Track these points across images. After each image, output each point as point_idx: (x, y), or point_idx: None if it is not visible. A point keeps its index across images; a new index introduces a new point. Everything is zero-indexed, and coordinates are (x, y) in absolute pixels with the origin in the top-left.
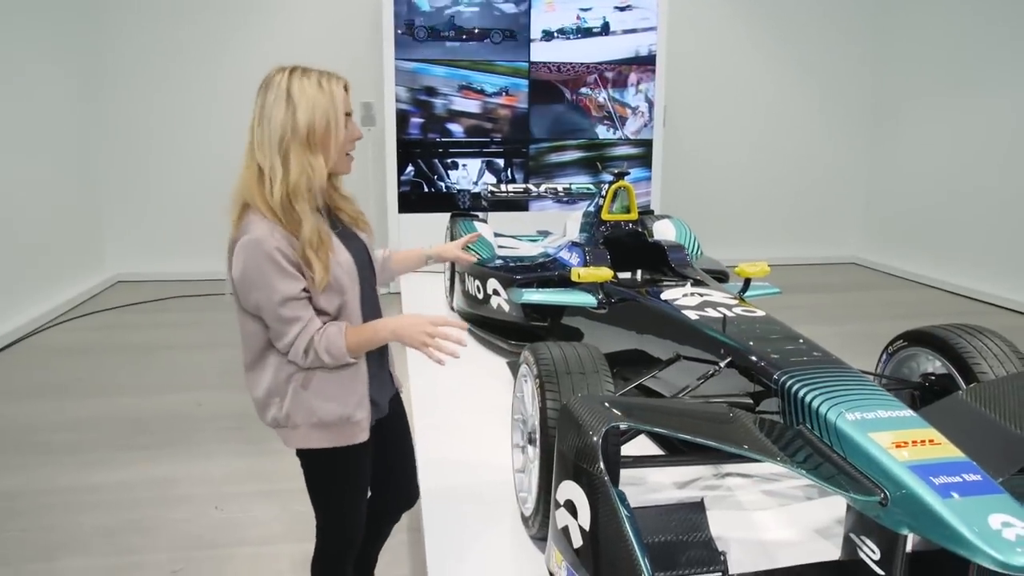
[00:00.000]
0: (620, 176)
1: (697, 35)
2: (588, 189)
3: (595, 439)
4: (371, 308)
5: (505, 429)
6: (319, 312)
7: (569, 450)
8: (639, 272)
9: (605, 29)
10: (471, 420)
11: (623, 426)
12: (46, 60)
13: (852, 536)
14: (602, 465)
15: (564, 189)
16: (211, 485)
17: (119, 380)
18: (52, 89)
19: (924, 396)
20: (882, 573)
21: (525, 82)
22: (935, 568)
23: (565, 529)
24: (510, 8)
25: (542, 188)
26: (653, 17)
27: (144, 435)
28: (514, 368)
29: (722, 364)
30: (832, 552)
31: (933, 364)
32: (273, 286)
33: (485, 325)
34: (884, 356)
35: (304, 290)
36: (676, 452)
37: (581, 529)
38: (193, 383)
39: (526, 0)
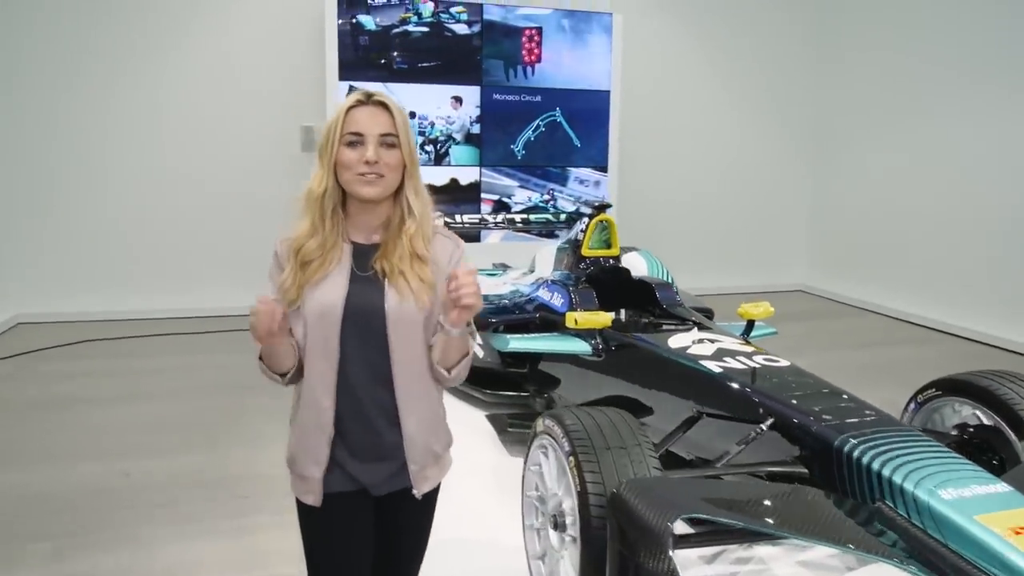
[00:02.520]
0: (601, 208)
1: (649, 65)
2: (548, 220)
3: (664, 538)
4: (359, 366)
5: (493, 497)
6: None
7: (628, 548)
8: (623, 312)
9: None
10: (454, 487)
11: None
12: None
13: None
14: (676, 566)
15: (522, 220)
16: None
17: (19, 447)
18: None
19: (962, 449)
20: None
21: (476, 109)
22: None
23: None
24: (462, 29)
25: (498, 218)
26: (607, 46)
27: (53, 521)
28: (497, 423)
29: (764, 426)
30: None
31: (963, 414)
32: None
33: None
34: (913, 405)
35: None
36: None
37: None
38: (116, 447)
39: (478, 22)
